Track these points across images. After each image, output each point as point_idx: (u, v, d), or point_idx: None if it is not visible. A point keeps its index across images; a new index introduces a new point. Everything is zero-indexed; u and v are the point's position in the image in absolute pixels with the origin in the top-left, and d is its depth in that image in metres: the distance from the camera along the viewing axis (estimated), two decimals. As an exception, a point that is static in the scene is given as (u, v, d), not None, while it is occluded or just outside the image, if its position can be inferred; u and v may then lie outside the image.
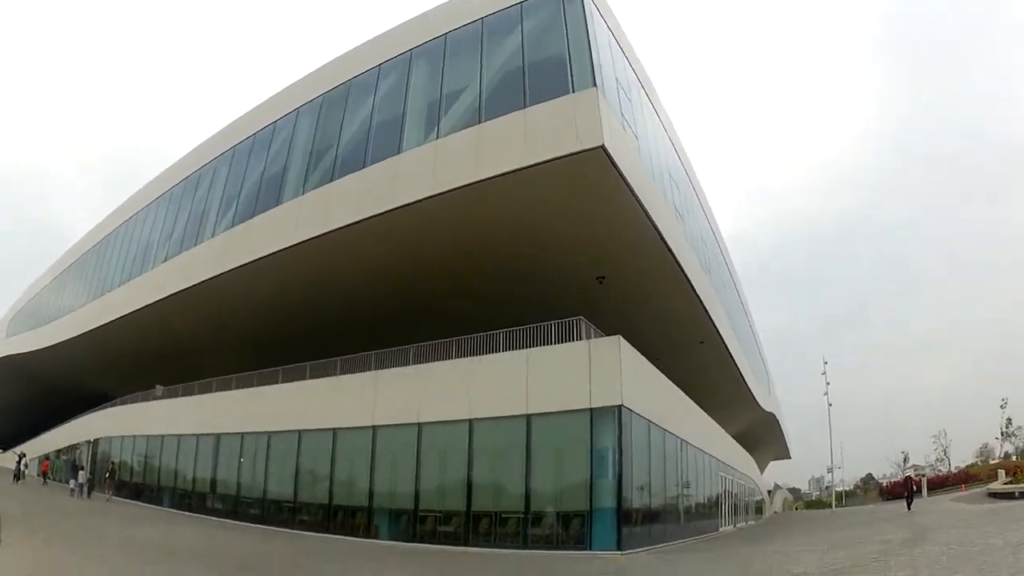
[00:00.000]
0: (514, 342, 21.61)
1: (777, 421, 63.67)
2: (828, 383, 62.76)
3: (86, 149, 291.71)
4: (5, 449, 65.04)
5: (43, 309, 56.64)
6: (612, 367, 19.54)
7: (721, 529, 33.37)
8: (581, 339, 20.49)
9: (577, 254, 24.52)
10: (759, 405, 52.45)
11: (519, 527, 19.65)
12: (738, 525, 38.98)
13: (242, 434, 29.27)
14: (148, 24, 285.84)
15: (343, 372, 25.73)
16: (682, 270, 26.43)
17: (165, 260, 33.95)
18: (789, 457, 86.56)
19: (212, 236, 30.36)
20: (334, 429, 24.90)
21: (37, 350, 53.31)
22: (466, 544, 20.11)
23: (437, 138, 22.28)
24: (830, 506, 70.81)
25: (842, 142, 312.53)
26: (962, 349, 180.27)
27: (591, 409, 19.12)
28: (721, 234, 44.30)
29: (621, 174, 19.94)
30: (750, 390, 47.36)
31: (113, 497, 36.67)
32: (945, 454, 78.17)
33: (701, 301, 30.01)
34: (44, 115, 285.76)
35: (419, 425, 22.23)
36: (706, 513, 31.23)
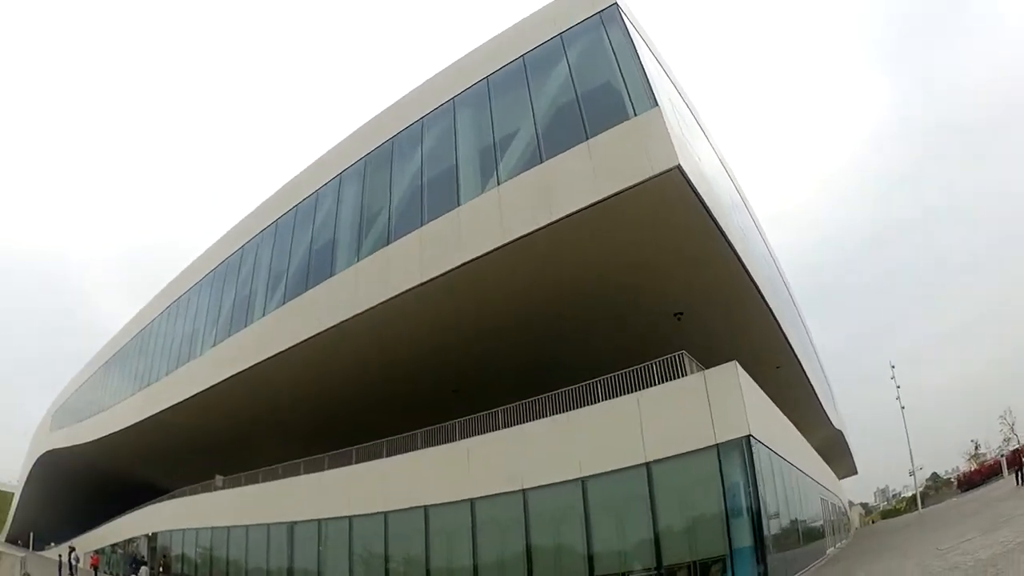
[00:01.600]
0: (609, 390, 19.60)
1: (844, 437, 61.41)
2: (899, 386, 59.84)
3: (116, 245, 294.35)
4: (56, 544, 63.91)
5: (87, 402, 55.33)
6: (734, 396, 17.55)
7: (828, 551, 31.13)
8: (685, 375, 18.61)
9: (653, 291, 22.76)
10: (831, 423, 50.21)
11: (653, 585, 17.54)
12: (837, 545, 36.69)
13: (319, 520, 26.97)
14: (172, 114, 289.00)
15: (425, 445, 23.71)
16: (760, 294, 24.75)
17: (214, 345, 32.39)
18: (856, 472, 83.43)
19: (263, 316, 28.72)
20: (425, 507, 22.68)
21: (83, 444, 52.02)
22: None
23: (499, 184, 20.71)
24: (905, 512, 67.87)
25: (844, 153, 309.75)
26: (987, 332, 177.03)
27: (717, 445, 17.10)
28: (774, 251, 42.55)
29: (698, 195, 18.48)
30: (823, 409, 45.14)
31: None
32: (1012, 431, 76.07)
33: (779, 325, 28.30)
34: (73, 211, 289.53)
35: (523, 492, 20.03)
36: (816, 536, 29.04)
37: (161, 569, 37.45)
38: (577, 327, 24.30)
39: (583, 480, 18.89)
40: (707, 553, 17.08)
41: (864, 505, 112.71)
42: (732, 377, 17.92)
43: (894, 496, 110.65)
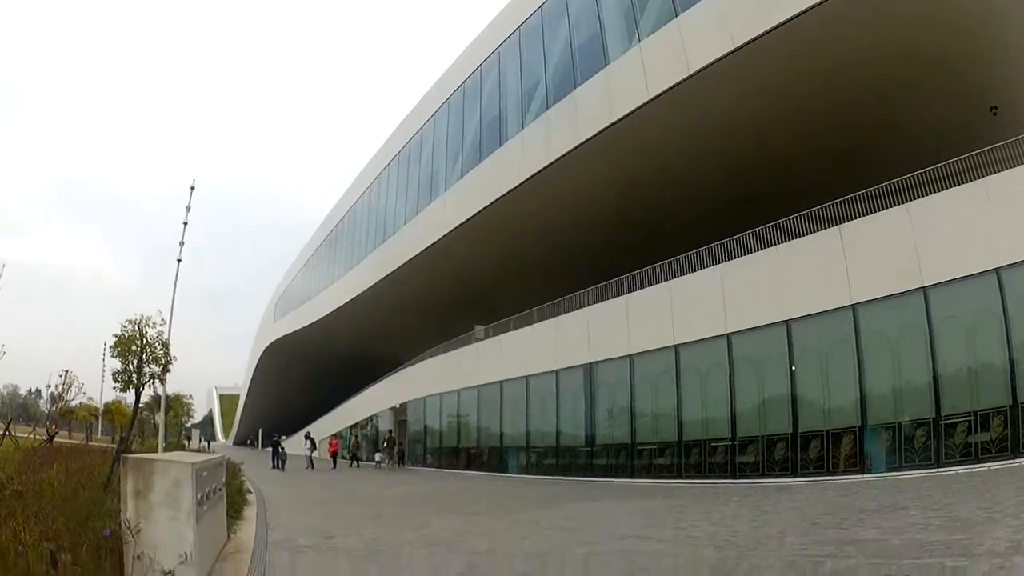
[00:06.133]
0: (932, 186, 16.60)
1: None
2: None
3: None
4: (287, 438, 67.35)
5: (309, 284, 57.83)
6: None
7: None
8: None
9: (960, 79, 19.88)
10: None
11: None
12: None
13: (631, 356, 23.17)
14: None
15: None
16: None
17: (460, 178, 31.37)
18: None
19: (521, 129, 27.07)
20: (787, 321, 19.05)
21: (309, 325, 54.67)
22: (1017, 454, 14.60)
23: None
24: None
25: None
26: None
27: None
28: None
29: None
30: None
31: (397, 467, 36.56)
32: None
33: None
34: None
35: (924, 290, 16.34)
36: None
37: (386, 444, 38.34)
38: (877, 127, 21.84)
39: (997, 272, 15.35)
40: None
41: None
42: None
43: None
